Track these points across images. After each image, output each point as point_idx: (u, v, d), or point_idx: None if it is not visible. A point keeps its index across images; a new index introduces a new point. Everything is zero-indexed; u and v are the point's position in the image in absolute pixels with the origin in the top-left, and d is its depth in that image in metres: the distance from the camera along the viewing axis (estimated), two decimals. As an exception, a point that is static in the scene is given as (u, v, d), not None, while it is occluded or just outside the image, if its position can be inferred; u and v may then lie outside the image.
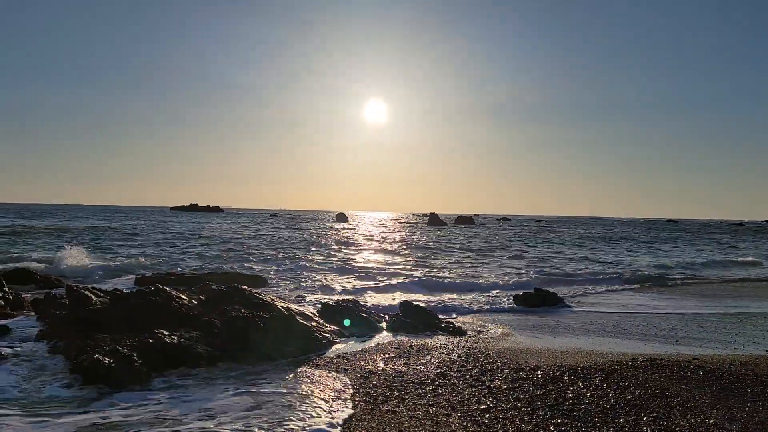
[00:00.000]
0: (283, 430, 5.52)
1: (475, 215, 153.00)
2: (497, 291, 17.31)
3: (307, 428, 5.58)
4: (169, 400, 6.44)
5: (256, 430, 5.52)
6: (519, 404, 6.36)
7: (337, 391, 6.85)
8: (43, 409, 6.00)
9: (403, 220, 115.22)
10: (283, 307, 10.19)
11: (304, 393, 6.71)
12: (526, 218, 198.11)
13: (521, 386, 7.08)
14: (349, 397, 6.59)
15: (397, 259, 27.53)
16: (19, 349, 8.55)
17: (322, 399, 6.50)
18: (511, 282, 19.10)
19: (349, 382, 7.23)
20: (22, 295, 12.50)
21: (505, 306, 14.49)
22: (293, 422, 5.71)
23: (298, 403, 6.30)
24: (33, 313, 11.27)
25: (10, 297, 12.01)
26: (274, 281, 17.88)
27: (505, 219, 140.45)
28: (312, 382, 7.19)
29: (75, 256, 19.98)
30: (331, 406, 6.25)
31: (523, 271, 22.97)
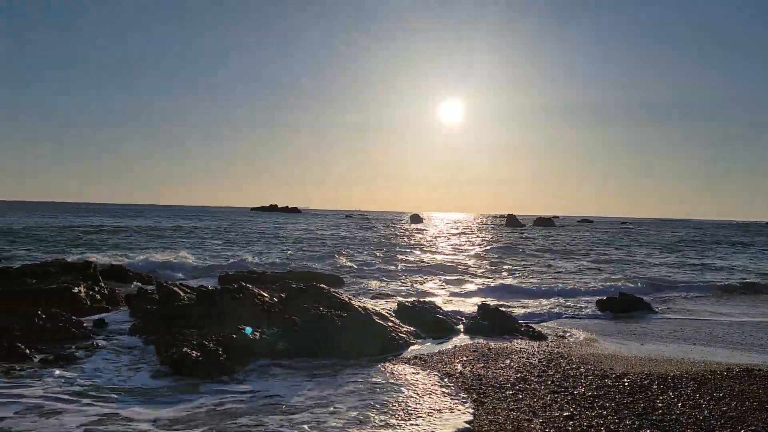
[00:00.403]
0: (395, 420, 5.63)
1: (554, 217, 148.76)
2: (579, 295, 16.71)
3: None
4: (261, 390, 6.80)
5: (372, 414, 5.89)
6: (604, 412, 6.10)
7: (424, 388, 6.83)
8: (145, 395, 6.48)
9: (479, 222, 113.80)
10: (359, 306, 10.28)
11: (396, 386, 6.74)
12: (609, 220, 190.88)
13: (606, 394, 6.79)
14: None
15: (473, 261, 27.20)
16: (114, 341, 9.10)
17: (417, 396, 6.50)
18: (594, 286, 18.40)
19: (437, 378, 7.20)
20: (117, 291, 13.27)
21: (588, 311, 13.98)
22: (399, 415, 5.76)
23: (395, 396, 6.34)
24: (126, 308, 11.95)
25: (106, 292, 12.80)
26: (350, 280, 18.11)
27: (586, 221, 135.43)
28: (398, 377, 7.21)
29: (164, 254, 21.04)
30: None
31: (606, 275, 22.10)
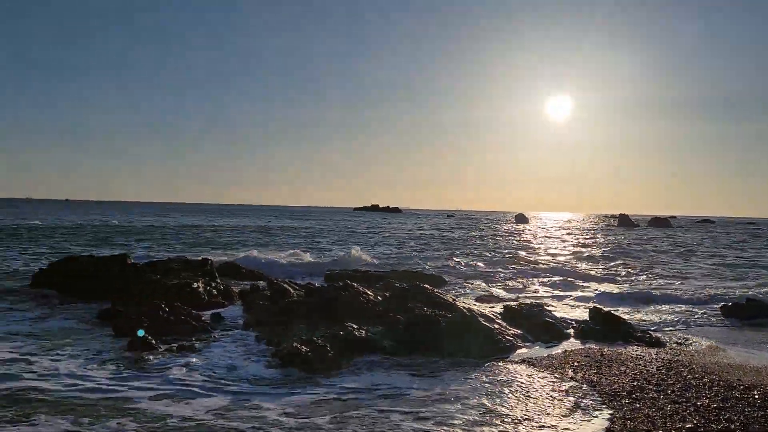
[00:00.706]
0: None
1: (671, 216, 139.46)
2: (701, 301, 15.53)
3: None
4: (373, 384, 7.04)
5: (495, 414, 5.94)
6: (732, 426, 5.62)
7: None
8: (262, 385, 6.91)
9: (589, 222, 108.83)
10: (464, 307, 10.17)
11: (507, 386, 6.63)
12: (734, 220, 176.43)
13: (734, 406, 6.25)
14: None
15: (584, 263, 26.09)
16: (230, 334, 9.62)
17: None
18: (717, 291, 17.03)
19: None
20: (231, 287, 14.02)
21: (711, 317, 12.96)
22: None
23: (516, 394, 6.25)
24: (240, 303, 12.58)
25: (222, 288, 13.54)
26: (453, 281, 17.98)
27: (707, 221, 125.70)
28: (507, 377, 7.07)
29: (273, 252, 21.97)
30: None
31: (731, 280, 20.42)
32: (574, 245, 38.61)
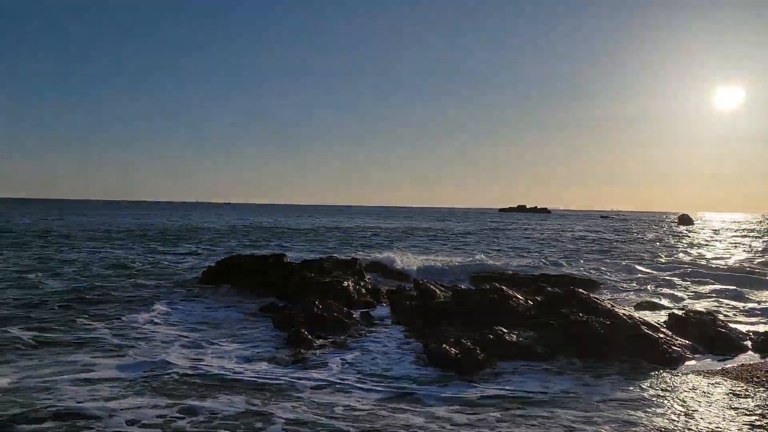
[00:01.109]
0: None
1: None
2: None
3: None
4: (530, 388, 6.88)
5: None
6: None
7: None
8: (417, 382, 7.02)
9: (766, 224, 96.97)
10: (624, 314, 9.46)
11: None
12: None
13: None
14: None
15: (759, 270, 23.24)
16: (379, 332, 9.83)
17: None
18: None
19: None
20: (379, 286, 14.32)
21: None
22: None
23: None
24: (387, 302, 12.79)
25: (370, 287, 13.89)
26: (610, 285, 16.87)
27: None
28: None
29: (415, 253, 22.14)
30: None
31: None
32: (747, 250, 34.57)
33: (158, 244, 28.82)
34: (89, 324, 9.72)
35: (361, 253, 24.21)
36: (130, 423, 5.52)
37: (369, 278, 15.37)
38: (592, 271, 20.69)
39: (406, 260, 21.51)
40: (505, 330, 8.55)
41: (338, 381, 6.94)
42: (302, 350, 8.24)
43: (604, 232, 53.97)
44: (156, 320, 10.31)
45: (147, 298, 12.51)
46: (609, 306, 9.85)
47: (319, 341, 8.79)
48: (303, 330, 8.95)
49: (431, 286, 12.19)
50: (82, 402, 5.98)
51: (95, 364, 7.41)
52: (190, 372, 7.15)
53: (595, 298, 10.21)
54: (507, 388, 6.81)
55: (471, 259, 23.71)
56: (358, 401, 6.23)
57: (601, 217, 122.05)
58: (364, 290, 13.41)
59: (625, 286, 17.05)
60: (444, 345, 7.74)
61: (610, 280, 18.29)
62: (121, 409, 5.80)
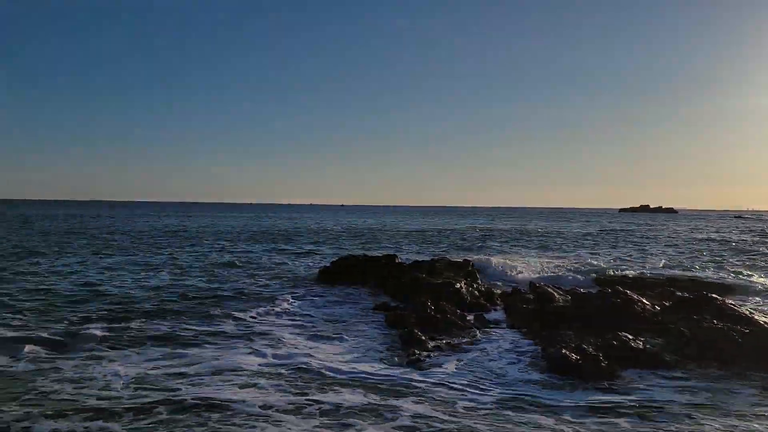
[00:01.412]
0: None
1: None
2: None
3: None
4: (661, 396, 6.56)
5: None
6: None
7: None
8: (537, 386, 6.88)
9: None
10: (766, 323, 8.64)
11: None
12: None
13: None
14: None
15: None
16: (494, 335, 9.64)
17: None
18: None
19: None
20: (493, 289, 14.07)
21: None
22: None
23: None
24: (501, 306, 12.52)
25: (483, 289, 13.66)
26: (747, 290, 15.44)
27: None
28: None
29: (530, 255, 21.52)
30: None
31: None
32: None
33: (276, 244, 30.32)
34: (220, 319, 10.44)
35: (474, 255, 23.97)
36: (264, 407, 5.91)
37: (481, 280, 15.17)
38: (731, 275, 19.07)
39: (521, 262, 21.05)
40: (630, 336, 8.09)
41: (455, 382, 6.92)
42: (416, 350, 8.28)
43: (741, 233, 49.53)
44: (279, 315, 10.92)
45: (271, 295, 13.26)
46: (747, 313, 9.05)
47: (433, 342, 8.78)
48: (416, 330, 8.99)
49: (549, 290, 11.84)
50: (216, 390, 6.42)
51: (222, 356, 7.91)
52: (313, 366, 7.46)
53: (731, 304, 9.42)
54: (634, 396, 6.46)
55: (589, 261, 22.72)
56: (480, 400, 6.24)
57: (735, 217, 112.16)
58: (477, 292, 13.21)
59: (766, 292, 15.54)
60: (564, 350, 7.45)
61: (751, 285, 16.76)
62: (252, 397, 6.18)
